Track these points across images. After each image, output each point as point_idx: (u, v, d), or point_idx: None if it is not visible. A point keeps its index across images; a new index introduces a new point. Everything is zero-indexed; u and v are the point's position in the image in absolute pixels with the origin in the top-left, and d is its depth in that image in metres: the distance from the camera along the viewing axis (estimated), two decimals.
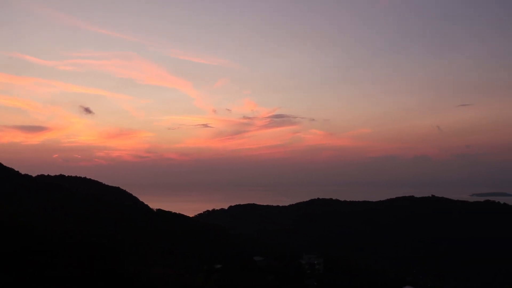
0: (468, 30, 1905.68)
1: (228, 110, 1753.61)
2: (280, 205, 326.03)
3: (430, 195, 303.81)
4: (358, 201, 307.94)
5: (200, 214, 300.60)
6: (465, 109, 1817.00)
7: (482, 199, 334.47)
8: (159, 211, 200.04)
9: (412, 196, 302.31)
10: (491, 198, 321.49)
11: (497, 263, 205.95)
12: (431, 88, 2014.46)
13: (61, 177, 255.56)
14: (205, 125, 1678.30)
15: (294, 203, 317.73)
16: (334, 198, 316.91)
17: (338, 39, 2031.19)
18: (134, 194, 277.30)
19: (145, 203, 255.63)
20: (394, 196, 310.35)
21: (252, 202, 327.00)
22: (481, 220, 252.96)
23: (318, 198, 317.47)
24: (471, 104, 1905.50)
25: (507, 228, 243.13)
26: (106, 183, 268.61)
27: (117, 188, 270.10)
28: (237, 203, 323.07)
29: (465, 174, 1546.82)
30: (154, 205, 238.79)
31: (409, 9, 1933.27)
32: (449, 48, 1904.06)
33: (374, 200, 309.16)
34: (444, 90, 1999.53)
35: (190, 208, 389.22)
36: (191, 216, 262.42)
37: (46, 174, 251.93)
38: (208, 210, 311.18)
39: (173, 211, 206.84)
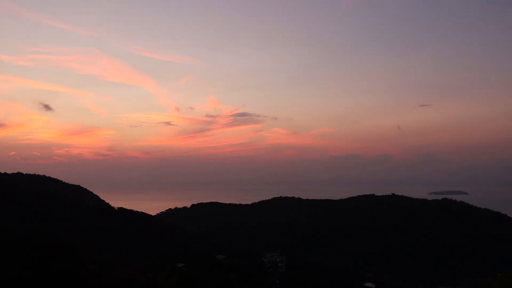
0: (429, 31, 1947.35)
1: (191, 108, 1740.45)
2: (243, 203, 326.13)
3: (391, 193, 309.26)
4: (320, 200, 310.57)
5: (162, 213, 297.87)
6: (425, 109, 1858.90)
7: (440, 197, 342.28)
8: (121, 209, 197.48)
9: (373, 195, 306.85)
10: (449, 196, 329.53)
11: (454, 259, 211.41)
12: (393, 88, 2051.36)
13: (19, 175, 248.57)
14: (168, 123, 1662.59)
15: (257, 201, 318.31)
16: (296, 196, 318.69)
17: (302, 39, 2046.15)
18: (95, 193, 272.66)
19: (106, 201, 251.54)
20: (355, 195, 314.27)
21: (215, 201, 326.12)
22: (439, 218, 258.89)
23: (281, 197, 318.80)
24: (431, 104, 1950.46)
25: (463, 225, 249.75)
26: (66, 181, 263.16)
27: (78, 187, 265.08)
28: (200, 202, 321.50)
29: (425, 173, 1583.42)
30: (115, 203, 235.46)
31: (371, 10, 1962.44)
32: (410, 48, 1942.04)
33: (336, 199, 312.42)
34: (405, 90, 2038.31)
35: (152, 206, 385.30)
36: (153, 214, 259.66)
37: (2, 172, 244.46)
38: (170, 209, 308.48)
39: (135, 210, 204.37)
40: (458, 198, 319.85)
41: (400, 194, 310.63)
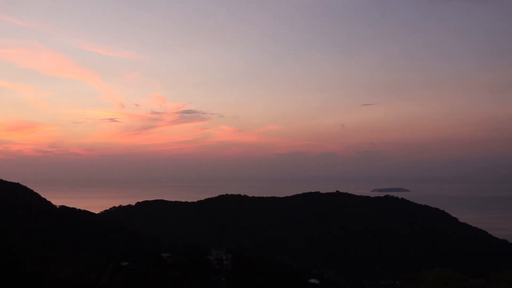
0: (374, 31, 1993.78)
1: (137, 105, 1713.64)
2: (189, 201, 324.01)
3: (335, 191, 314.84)
4: (266, 197, 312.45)
5: (106, 211, 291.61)
6: (368, 108, 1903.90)
7: (382, 194, 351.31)
8: (62, 208, 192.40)
9: (318, 192, 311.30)
10: (391, 193, 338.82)
11: (395, 254, 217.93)
12: (337, 87, 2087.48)
13: None
14: (113, 120, 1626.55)
15: (203, 199, 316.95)
16: (242, 194, 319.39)
17: (248, 36, 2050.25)
18: (35, 191, 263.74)
19: (48, 200, 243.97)
20: (300, 192, 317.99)
21: (160, 198, 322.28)
22: (381, 214, 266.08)
23: (227, 194, 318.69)
24: (374, 103, 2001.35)
25: (404, 221, 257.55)
26: (4, 179, 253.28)
27: (17, 184, 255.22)
28: (145, 199, 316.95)
29: (368, 170, 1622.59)
30: (57, 202, 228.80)
31: (318, 8, 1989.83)
32: (355, 48, 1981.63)
33: (281, 196, 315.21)
34: (349, 89, 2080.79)
35: (96, 204, 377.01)
36: (96, 213, 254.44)
37: None
38: (114, 207, 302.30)
39: (77, 208, 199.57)
40: (400, 195, 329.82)
41: (344, 191, 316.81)
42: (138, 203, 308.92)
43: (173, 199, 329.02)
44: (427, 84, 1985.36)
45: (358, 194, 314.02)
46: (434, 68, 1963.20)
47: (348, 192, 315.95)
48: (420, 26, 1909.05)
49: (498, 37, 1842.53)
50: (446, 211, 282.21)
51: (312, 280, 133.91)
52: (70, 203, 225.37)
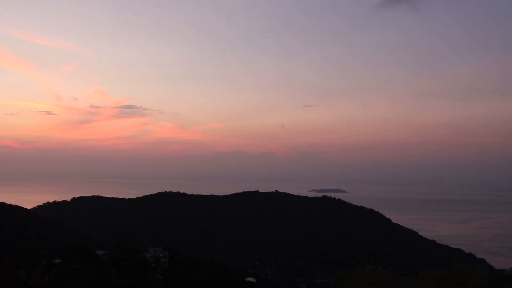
0: (317, 34, 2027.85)
1: (75, 98, 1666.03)
2: (127, 197, 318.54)
3: (274, 190, 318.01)
4: (206, 195, 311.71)
5: (39, 206, 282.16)
6: (309, 109, 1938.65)
7: (320, 194, 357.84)
8: None
9: (257, 191, 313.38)
10: (328, 194, 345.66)
11: (331, 254, 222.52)
12: (279, 87, 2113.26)
13: None
14: (49, 112, 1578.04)
15: (141, 195, 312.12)
16: (182, 191, 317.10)
17: (191, 33, 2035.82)
18: None
19: None
20: (240, 191, 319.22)
21: (97, 194, 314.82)
22: (318, 214, 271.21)
23: (166, 191, 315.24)
24: (315, 105, 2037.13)
25: (340, 222, 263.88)
26: None
27: None
28: (82, 195, 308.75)
29: (307, 171, 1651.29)
30: None
31: (260, 8, 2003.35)
32: (296, 50, 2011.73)
33: (221, 194, 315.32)
34: (290, 90, 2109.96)
35: (29, 199, 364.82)
36: (29, 208, 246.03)
37: None
38: (48, 202, 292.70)
39: (8, 203, 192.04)
40: (337, 195, 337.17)
41: (283, 191, 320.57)
42: (73, 198, 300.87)
43: (110, 196, 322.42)
44: (365, 88, 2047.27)
45: (297, 194, 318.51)
46: (375, 72, 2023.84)
47: (287, 192, 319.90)
48: (364, 31, 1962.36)
49: (429, 46, 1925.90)
50: (380, 212, 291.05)
51: (249, 279, 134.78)
52: (0, 198, 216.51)
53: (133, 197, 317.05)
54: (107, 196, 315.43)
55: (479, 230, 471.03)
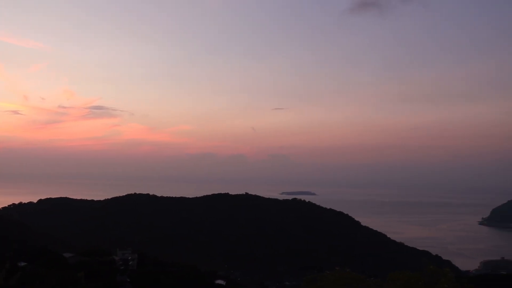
0: (287, 38, 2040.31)
1: (42, 98, 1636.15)
2: (95, 199, 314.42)
3: (244, 193, 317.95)
4: (176, 197, 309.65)
5: (4, 208, 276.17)
6: (279, 112, 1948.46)
7: (290, 197, 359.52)
8: None
9: (228, 193, 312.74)
10: (298, 197, 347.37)
11: (301, 256, 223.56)
12: (250, 90, 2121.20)
13: None
14: (16, 112, 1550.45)
15: (110, 197, 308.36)
16: (151, 193, 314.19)
17: (162, 36, 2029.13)
18: None
19: None
20: (210, 193, 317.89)
21: (65, 196, 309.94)
22: (288, 217, 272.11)
23: (135, 193, 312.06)
24: (285, 108, 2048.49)
25: (310, 224, 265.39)
26: None
27: None
28: (49, 197, 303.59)
29: (277, 173, 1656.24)
30: None
31: (232, 12, 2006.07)
32: (267, 53, 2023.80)
33: (190, 197, 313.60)
34: (261, 93, 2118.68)
35: None
36: None
37: None
38: (14, 204, 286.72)
39: None
40: (307, 198, 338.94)
41: (253, 193, 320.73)
42: (40, 200, 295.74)
43: (78, 197, 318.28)
44: (337, 91, 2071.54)
45: (267, 197, 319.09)
46: (343, 76, 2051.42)
47: (258, 194, 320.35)
48: (333, 36, 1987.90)
49: (395, 52, 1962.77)
50: (349, 214, 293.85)
51: (219, 281, 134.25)
52: None
53: (102, 198, 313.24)
54: (75, 197, 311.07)
55: (446, 233, 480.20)
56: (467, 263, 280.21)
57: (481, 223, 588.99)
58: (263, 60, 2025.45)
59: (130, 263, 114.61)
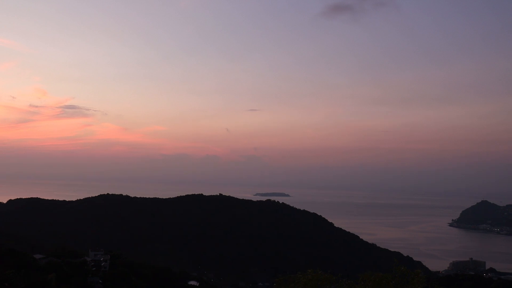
0: (261, 39, 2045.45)
1: (13, 96, 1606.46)
2: (67, 199, 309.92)
3: (218, 194, 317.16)
4: (149, 198, 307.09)
5: None
6: (253, 113, 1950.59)
7: (264, 198, 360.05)
8: None
9: (201, 194, 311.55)
10: (272, 198, 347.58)
11: (274, 257, 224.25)
12: (224, 92, 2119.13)
13: None
14: None
15: (82, 198, 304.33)
16: (124, 194, 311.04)
17: (136, 37, 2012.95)
18: None
19: None
20: (184, 194, 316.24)
21: (36, 196, 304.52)
22: (262, 218, 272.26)
23: (108, 194, 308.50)
24: (260, 109, 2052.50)
25: (284, 225, 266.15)
26: None
27: None
28: (19, 197, 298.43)
29: (251, 175, 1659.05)
30: None
31: (208, 13, 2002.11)
32: (242, 54, 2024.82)
33: (164, 197, 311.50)
34: (236, 95, 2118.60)
35: None
36: None
37: None
38: None
39: None
40: (281, 199, 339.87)
41: (227, 194, 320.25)
42: (10, 200, 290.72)
43: (50, 198, 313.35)
44: (312, 93, 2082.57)
45: (241, 198, 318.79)
46: (318, 78, 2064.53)
47: (231, 195, 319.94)
48: (309, 38, 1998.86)
49: (370, 55, 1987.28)
50: (323, 216, 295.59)
51: (192, 282, 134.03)
52: None
53: (74, 199, 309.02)
54: (46, 198, 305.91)
55: (417, 234, 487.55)
56: (438, 264, 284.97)
57: (451, 225, 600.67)
58: (238, 61, 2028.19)
59: (102, 264, 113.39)
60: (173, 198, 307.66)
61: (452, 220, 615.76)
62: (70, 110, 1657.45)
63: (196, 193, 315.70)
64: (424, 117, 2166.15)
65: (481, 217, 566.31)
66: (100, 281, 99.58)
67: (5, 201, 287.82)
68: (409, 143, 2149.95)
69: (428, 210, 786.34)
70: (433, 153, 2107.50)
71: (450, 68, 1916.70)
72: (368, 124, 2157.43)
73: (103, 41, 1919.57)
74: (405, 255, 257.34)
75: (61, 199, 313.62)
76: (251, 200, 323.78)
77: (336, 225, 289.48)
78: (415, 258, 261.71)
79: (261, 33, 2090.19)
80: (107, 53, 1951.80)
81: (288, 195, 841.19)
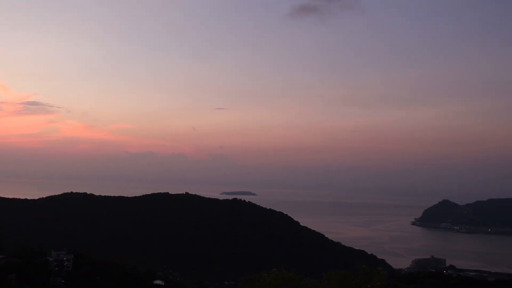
0: (229, 37, 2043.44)
1: None
2: (29, 198, 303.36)
3: (184, 192, 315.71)
4: (114, 196, 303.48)
5: None
6: (220, 112, 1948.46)
7: (230, 197, 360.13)
8: None
9: (167, 193, 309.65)
10: (239, 197, 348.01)
11: (239, 256, 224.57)
12: (191, 89, 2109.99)
13: None
14: None
15: (45, 196, 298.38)
16: (89, 192, 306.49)
17: (102, 33, 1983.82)
18: None
19: None
20: (150, 192, 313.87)
21: None
22: (229, 217, 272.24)
23: (72, 192, 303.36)
24: (227, 108, 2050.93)
25: (251, 224, 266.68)
26: None
27: None
28: None
29: (218, 173, 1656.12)
30: None
31: (175, 10, 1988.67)
32: (209, 52, 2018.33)
33: (129, 196, 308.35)
34: (203, 93, 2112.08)
35: None
36: None
37: None
38: None
39: None
40: (247, 198, 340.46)
41: (193, 193, 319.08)
42: None
43: (10, 196, 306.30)
44: (276, 93, 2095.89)
45: (207, 197, 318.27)
46: (287, 77, 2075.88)
47: (198, 194, 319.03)
48: (277, 37, 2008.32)
49: (339, 56, 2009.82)
50: (289, 215, 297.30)
51: (157, 281, 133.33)
52: None
53: (36, 198, 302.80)
54: (6, 196, 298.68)
55: (381, 233, 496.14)
56: (400, 262, 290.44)
57: (413, 223, 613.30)
58: (205, 60, 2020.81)
59: (65, 264, 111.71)
60: (138, 196, 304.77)
61: (415, 219, 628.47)
62: (33, 107, 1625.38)
63: (162, 192, 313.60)
64: (393, 118, 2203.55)
65: (442, 216, 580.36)
66: (63, 281, 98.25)
67: None
68: (377, 144, 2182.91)
69: (393, 210, 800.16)
70: (401, 153, 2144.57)
71: (419, 69, 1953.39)
72: (337, 124, 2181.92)
73: (68, 37, 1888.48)
74: (369, 253, 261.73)
75: (22, 197, 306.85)
76: (217, 199, 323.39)
77: (301, 223, 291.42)
78: (379, 256, 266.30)
79: (229, 32, 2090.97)
80: (71, 49, 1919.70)
81: (255, 194, 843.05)
